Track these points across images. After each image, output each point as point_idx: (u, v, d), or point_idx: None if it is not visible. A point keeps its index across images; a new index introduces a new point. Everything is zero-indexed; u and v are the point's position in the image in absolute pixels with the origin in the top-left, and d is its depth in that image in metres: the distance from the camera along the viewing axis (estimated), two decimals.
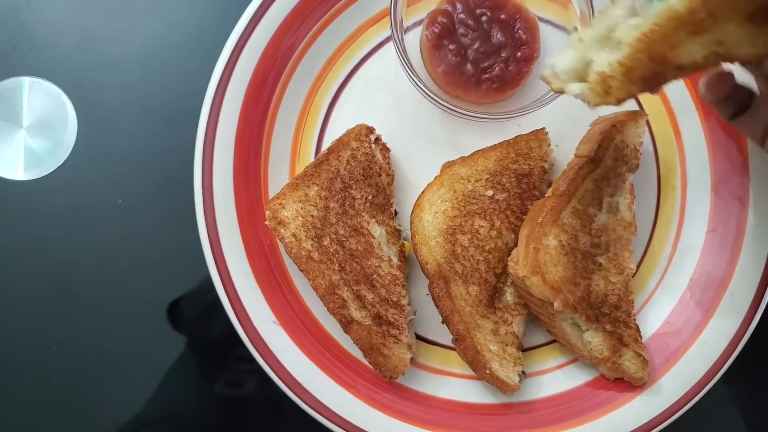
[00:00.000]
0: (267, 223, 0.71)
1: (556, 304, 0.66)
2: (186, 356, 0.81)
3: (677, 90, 0.79)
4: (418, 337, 0.76)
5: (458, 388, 0.75)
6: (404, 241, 0.75)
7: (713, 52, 0.49)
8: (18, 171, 0.81)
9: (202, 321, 0.82)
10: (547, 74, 0.57)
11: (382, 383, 0.74)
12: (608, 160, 0.72)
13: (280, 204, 0.71)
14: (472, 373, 0.73)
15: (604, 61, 0.50)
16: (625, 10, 0.52)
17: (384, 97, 0.79)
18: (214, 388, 0.81)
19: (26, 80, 0.83)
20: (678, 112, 0.79)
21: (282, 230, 0.70)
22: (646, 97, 0.80)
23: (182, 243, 0.78)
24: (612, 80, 0.50)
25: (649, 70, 0.50)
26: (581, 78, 0.54)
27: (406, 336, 0.71)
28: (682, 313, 0.76)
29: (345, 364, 0.74)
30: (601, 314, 0.70)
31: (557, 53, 0.56)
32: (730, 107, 0.64)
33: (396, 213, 0.76)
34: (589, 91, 0.52)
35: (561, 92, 0.57)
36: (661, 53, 0.49)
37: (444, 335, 0.74)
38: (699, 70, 0.51)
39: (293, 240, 0.70)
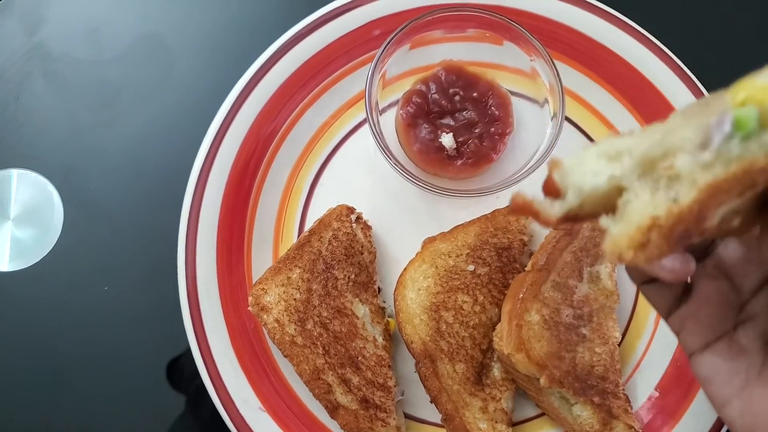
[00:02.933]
0: (250, 309, 0.72)
1: (542, 381, 0.66)
2: (180, 423, 0.80)
3: None
4: (408, 417, 0.75)
5: None
6: (389, 319, 0.75)
7: (722, 222, 0.39)
8: (4, 262, 0.82)
9: (189, 404, 0.80)
10: (543, 201, 0.40)
11: None
12: (586, 231, 0.73)
13: (263, 289, 0.72)
14: None
15: (661, 200, 0.35)
16: (696, 135, 0.36)
17: (364, 175, 0.81)
18: None
19: (14, 172, 0.85)
20: None
21: (265, 316, 0.71)
22: None
23: (169, 329, 0.78)
24: (657, 231, 0.35)
25: (687, 228, 0.36)
26: (596, 204, 0.38)
27: (394, 418, 0.70)
28: (672, 381, 0.75)
29: None
30: (588, 386, 0.70)
31: (572, 157, 0.39)
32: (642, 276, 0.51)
33: (380, 290, 0.77)
34: (627, 238, 0.35)
35: (552, 224, 0.39)
36: (708, 209, 0.36)
37: (434, 414, 0.73)
38: (707, 237, 0.41)
39: (276, 325, 0.70)
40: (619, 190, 0.37)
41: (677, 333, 0.51)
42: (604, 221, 0.37)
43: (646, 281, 0.51)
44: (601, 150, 0.38)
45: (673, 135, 0.36)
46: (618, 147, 0.37)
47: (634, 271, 0.51)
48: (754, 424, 0.47)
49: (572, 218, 0.39)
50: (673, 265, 0.43)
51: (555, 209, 0.38)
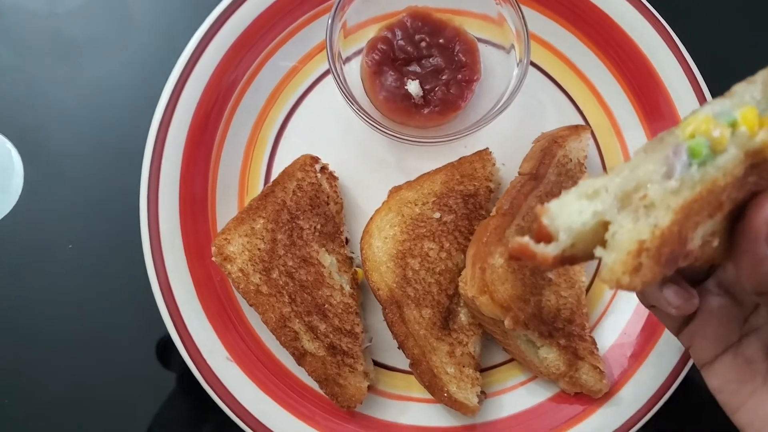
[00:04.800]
0: (213, 259, 0.71)
1: (506, 322, 0.66)
2: (172, 399, 0.79)
3: (621, 104, 0.80)
4: (377, 364, 0.76)
5: (420, 413, 0.74)
6: (357, 269, 0.75)
7: (704, 243, 0.43)
8: None
9: (158, 357, 0.80)
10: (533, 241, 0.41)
11: (342, 414, 0.73)
12: (551, 176, 0.73)
13: (226, 239, 0.71)
14: (432, 397, 0.72)
15: (643, 226, 0.39)
16: (659, 167, 0.41)
17: (330, 126, 0.80)
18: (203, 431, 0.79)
19: None
20: (622, 124, 0.81)
21: (229, 266, 0.70)
22: (589, 111, 0.81)
23: (134, 284, 0.77)
24: (646, 254, 0.38)
25: (672, 250, 0.40)
26: (587, 242, 0.41)
27: (362, 364, 0.70)
28: (638, 323, 0.76)
29: (303, 396, 0.73)
30: (555, 329, 0.70)
31: (556, 201, 0.42)
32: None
33: (347, 240, 0.76)
34: (621, 264, 0.38)
35: (550, 264, 0.41)
36: (686, 230, 0.40)
37: (402, 360, 0.73)
38: (689, 263, 0.43)
39: (240, 275, 0.70)
40: (604, 226, 0.40)
41: (688, 347, 0.56)
42: (599, 252, 0.40)
43: (655, 305, 0.55)
44: (580, 191, 0.42)
45: (639, 169, 0.41)
46: (595, 186, 0.41)
47: (643, 298, 0.56)
48: (763, 429, 0.51)
49: (569, 259, 0.42)
50: (678, 303, 0.50)
51: (550, 249, 0.41)
